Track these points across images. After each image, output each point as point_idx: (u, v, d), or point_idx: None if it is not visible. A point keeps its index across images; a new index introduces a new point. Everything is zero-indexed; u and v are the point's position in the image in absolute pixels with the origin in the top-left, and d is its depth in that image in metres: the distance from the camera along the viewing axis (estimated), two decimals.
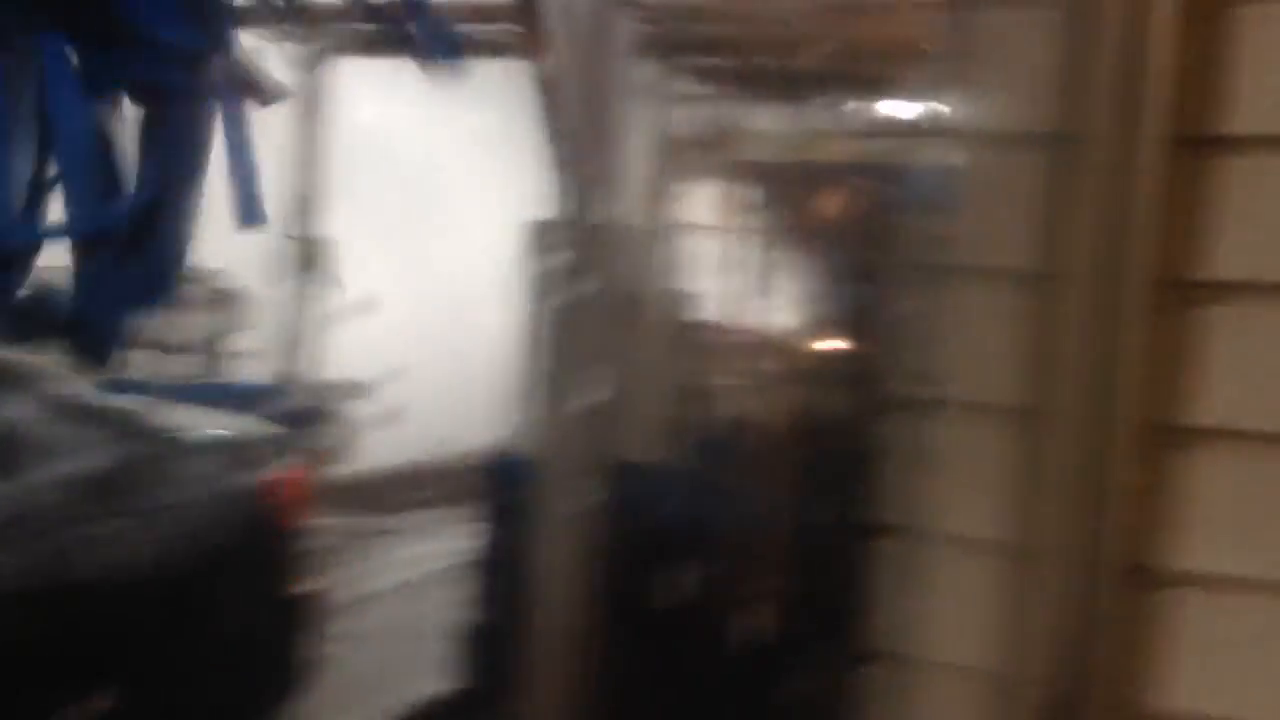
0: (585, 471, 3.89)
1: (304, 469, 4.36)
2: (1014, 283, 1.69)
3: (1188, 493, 1.62)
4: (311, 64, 6.17)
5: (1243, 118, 1.61)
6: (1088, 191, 1.62)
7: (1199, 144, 1.61)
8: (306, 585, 4.07)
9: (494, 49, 5.09)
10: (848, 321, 5.96)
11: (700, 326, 5.67)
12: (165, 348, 5.74)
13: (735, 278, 6.56)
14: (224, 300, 6.06)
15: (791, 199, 6.83)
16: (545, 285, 4.28)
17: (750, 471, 4.95)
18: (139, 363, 5.65)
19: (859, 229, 6.73)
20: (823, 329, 5.95)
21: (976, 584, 1.73)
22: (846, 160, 6.57)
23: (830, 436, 5.07)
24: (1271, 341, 1.60)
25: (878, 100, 6.47)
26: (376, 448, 6.22)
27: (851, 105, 6.57)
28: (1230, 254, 1.61)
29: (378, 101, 6.24)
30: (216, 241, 6.01)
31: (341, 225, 6.24)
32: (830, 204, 6.78)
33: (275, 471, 4.05)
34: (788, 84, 6.28)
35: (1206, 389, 1.61)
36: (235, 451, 4.03)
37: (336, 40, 6.18)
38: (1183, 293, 1.62)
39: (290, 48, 5.88)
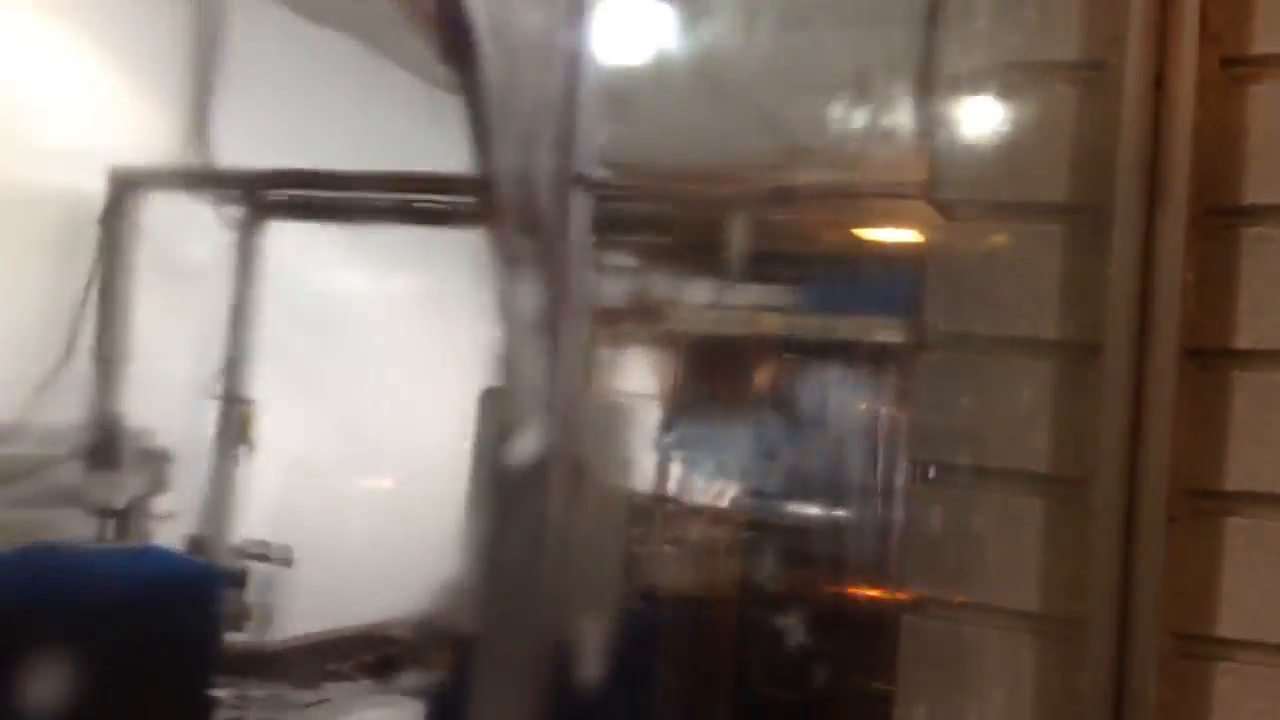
0: (526, 648, 3.81)
1: None
2: (1031, 483, 1.75)
3: None
4: (247, 227, 6.20)
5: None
6: (1103, 401, 1.69)
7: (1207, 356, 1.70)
8: None
9: (449, 218, 5.18)
10: (779, 492, 6.03)
11: (641, 496, 5.68)
12: (91, 508, 5.57)
13: (672, 446, 6.66)
14: (150, 460, 5.93)
15: (722, 371, 6.97)
16: (491, 453, 4.27)
17: (690, 644, 4.91)
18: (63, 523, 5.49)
19: (786, 401, 6.85)
20: (756, 499, 6.01)
21: (1014, 659, 1.72)
22: (776, 335, 6.75)
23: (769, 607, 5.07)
24: None
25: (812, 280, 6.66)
26: (304, 616, 6.06)
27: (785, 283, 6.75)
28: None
29: (322, 265, 6.27)
30: (145, 399, 5.92)
31: (276, 389, 6.18)
32: (760, 376, 6.93)
33: None
34: (720, 261, 6.44)
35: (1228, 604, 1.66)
36: None
37: (274, 204, 6.23)
38: (1197, 502, 1.69)
39: (225, 211, 5.91)
